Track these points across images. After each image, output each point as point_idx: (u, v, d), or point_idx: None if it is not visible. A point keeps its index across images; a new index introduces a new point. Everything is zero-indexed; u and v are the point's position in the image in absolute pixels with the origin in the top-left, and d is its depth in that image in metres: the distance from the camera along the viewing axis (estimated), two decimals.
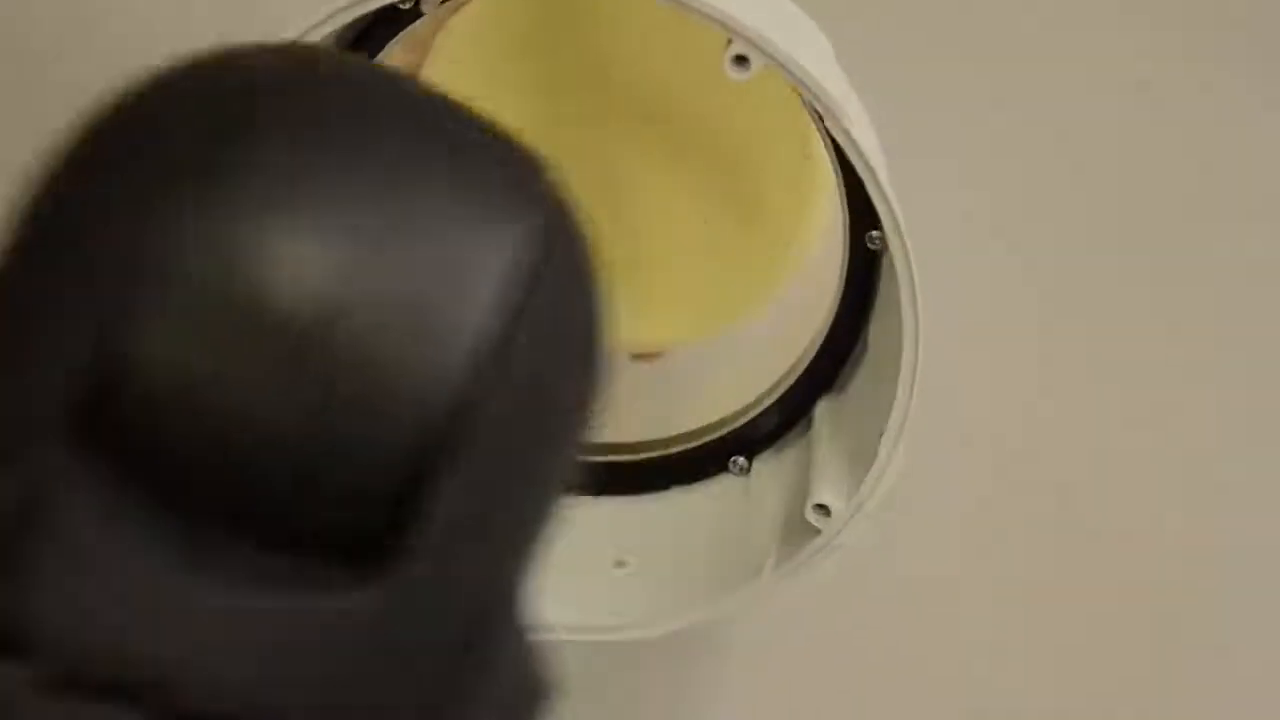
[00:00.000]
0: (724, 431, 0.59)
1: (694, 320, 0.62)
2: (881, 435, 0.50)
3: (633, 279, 0.59)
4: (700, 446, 0.59)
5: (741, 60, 0.46)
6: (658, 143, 0.59)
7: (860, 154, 0.46)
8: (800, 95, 0.49)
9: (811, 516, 0.51)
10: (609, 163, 0.60)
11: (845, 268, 0.55)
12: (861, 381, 0.56)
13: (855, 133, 0.46)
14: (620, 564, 0.57)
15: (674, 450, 0.59)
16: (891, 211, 0.46)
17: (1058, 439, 0.74)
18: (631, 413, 0.61)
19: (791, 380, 0.58)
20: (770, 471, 0.58)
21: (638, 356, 0.63)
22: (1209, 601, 0.74)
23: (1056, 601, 0.75)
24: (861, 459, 0.51)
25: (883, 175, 0.46)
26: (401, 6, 0.52)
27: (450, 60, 0.59)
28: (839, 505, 0.51)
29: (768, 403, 0.58)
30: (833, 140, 0.51)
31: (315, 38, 0.47)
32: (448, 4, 0.54)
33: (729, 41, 0.46)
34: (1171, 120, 0.72)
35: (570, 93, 0.59)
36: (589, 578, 0.56)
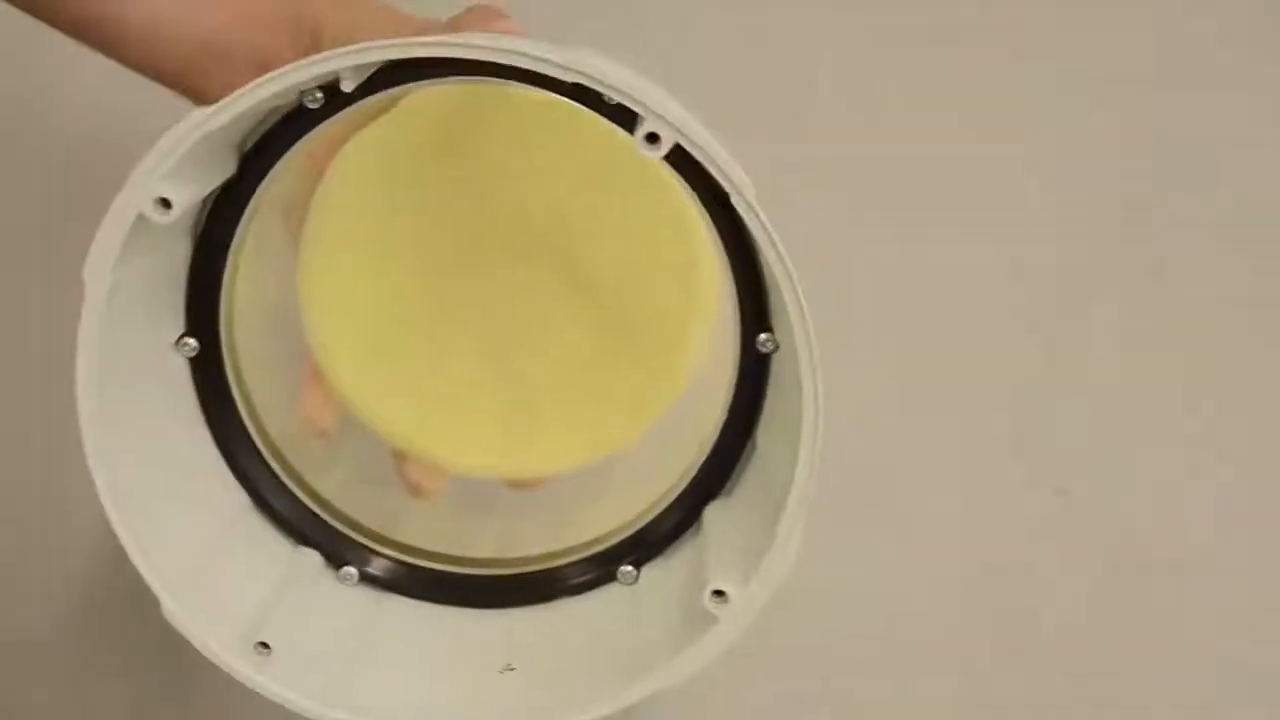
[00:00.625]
0: (613, 541, 0.59)
1: (579, 450, 0.62)
2: (778, 518, 0.51)
3: (517, 412, 0.60)
4: (588, 558, 0.59)
5: (653, 138, 0.47)
6: (545, 271, 0.60)
7: (767, 232, 0.47)
8: (695, 186, 0.51)
9: (709, 604, 0.51)
10: (496, 292, 0.61)
11: (736, 372, 0.56)
12: (750, 481, 0.57)
13: (762, 213, 0.48)
14: (508, 669, 0.56)
15: (562, 562, 0.59)
16: (793, 284, 0.48)
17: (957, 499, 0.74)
18: (520, 529, 0.61)
19: (681, 487, 0.58)
20: (660, 576, 0.58)
21: (517, 484, 0.63)
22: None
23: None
24: (755, 548, 0.51)
25: (785, 254, 0.48)
26: (310, 106, 0.53)
27: (343, 182, 0.60)
28: (736, 591, 0.51)
29: (657, 510, 0.58)
30: (726, 237, 0.53)
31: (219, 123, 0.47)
32: (353, 111, 0.54)
33: (640, 120, 0.48)
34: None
35: (458, 219, 0.60)
36: (476, 683, 0.55)
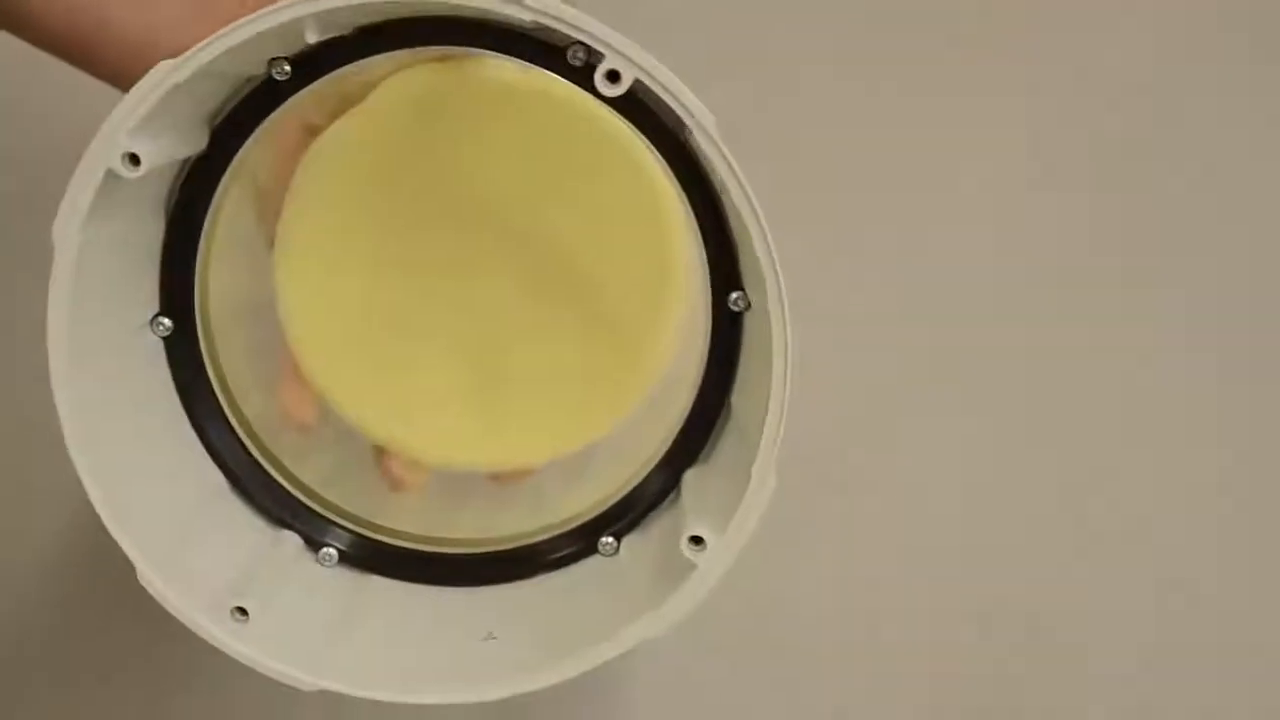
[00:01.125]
0: (592, 515, 0.58)
1: (559, 440, 0.62)
2: (752, 465, 0.50)
3: (495, 405, 0.60)
4: (568, 533, 0.59)
5: (614, 76, 0.48)
6: (519, 263, 0.60)
7: (733, 170, 0.48)
8: (658, 139, 0.51)
9: (687, 552, 0.51)
10: (471, 286, 0.61)
11: (708, 337, 0.56)
12: (727, 446, 0.57)
13: (724, 145, 0.48)
14: (489, 637, 0.55)
15: (541, 538, 0.59)
16: (757, 217, 0.48)
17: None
18: (499, 511, 0.61)
19: (659, 457, 0.58)
20: (640, 545, 0.57)
21: (497, 477, 0.62)
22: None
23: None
24: (732, 499, 0.51)
25: (747, 185, 0.48)
26: (277, 78, 0.54)
27: (317, 176, 0.61)
28: (713, 537, 0.51)
29: (635, 481, 0.58)
30: (693, 195, 0.53)
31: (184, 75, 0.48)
32: (323, 87, 0.55)
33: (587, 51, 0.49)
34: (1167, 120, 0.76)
35: (431, 213, 0.61)
36: (457, 651, 0.55)
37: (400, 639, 0.56)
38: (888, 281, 0.79)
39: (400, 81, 0.60)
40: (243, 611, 0.52)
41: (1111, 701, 0.78)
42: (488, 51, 0.53)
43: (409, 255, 0.61)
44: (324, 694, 0.52)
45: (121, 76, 0.53)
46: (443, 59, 0.60)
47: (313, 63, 0.54)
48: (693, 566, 0.51)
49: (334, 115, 0.60)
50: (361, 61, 0.54)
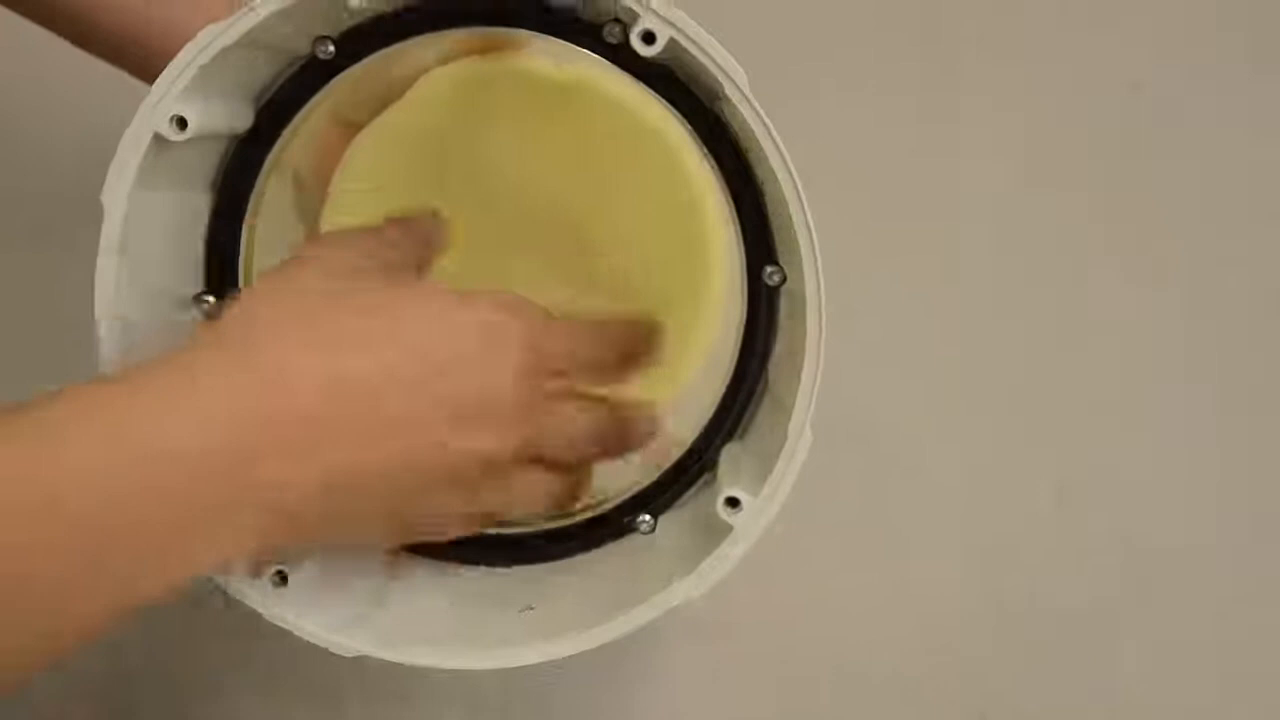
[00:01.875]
0: (628, 495, 0.59)
1: None
2: (787, 429, 0.51)
3: None
4: (606, 514, 0.59)
5: (649, 37, 0.49)
6: (558, 259, 0.61)
7: (765, 124, 0.49)
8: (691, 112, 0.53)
9: (723, 513, 0.51)
10: (513, 273, 0.62)
11: (743, 312, 0.57)
12: (762, 422, 0.57)
13: (758, 104, 0.49)
14: (527, 609, 0.55)
15: (580, 519, 0.59)
16: (791, 175, 0.49)
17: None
18: None
19: (695, 434, 0.58)
20: (677, 520, 0.58)
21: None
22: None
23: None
24: (766, 462, 0.52)
25: (781, 144, 0.49)
26: (321, 57, 0.55)
27: (358, 170, 0.62)
28: (748, 498, 0.51)
29: (672, 459, 0.58)
30: (726, 169, 0.54)
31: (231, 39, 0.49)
32: (366, 69, 0.56)
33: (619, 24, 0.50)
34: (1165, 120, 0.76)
35: (471, 208, 0.62)
36: (496, 620, 0.55)
37: (437, 611, 0.56)
38: (886, 281, 0.80)
39: (444, 73, 0.62)
40: (282, 576, 0.52)
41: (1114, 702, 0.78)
42: (526, 31, 0.54)
43: (453, 242, 0.62)
44: (361, 660, 0.52)
45: (124, 53, 0.54)
46: (484, 50, 0.61)
47: (356, 43, 0.55)
48: (729, 528, 0.51)
49: (373, 112, 0.62)
50: (403, 44, 0.56)
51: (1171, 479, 0.78)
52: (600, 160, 0.61)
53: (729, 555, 0.51)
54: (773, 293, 0.56)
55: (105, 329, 0.51)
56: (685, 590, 0.52)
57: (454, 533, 0.53)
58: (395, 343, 0.49)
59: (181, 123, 0.50)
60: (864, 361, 0.78)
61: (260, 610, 0.52)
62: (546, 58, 0.60)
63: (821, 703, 0.79)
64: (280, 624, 0.52)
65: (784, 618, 0.79)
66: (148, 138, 0.50)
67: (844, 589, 0.79)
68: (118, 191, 0.50)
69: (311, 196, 0.62)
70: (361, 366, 0.47)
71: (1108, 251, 0.78)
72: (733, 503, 0.51)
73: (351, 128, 0.62)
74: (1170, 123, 0.78)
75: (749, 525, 0.51)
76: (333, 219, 0.62)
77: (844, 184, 0.77)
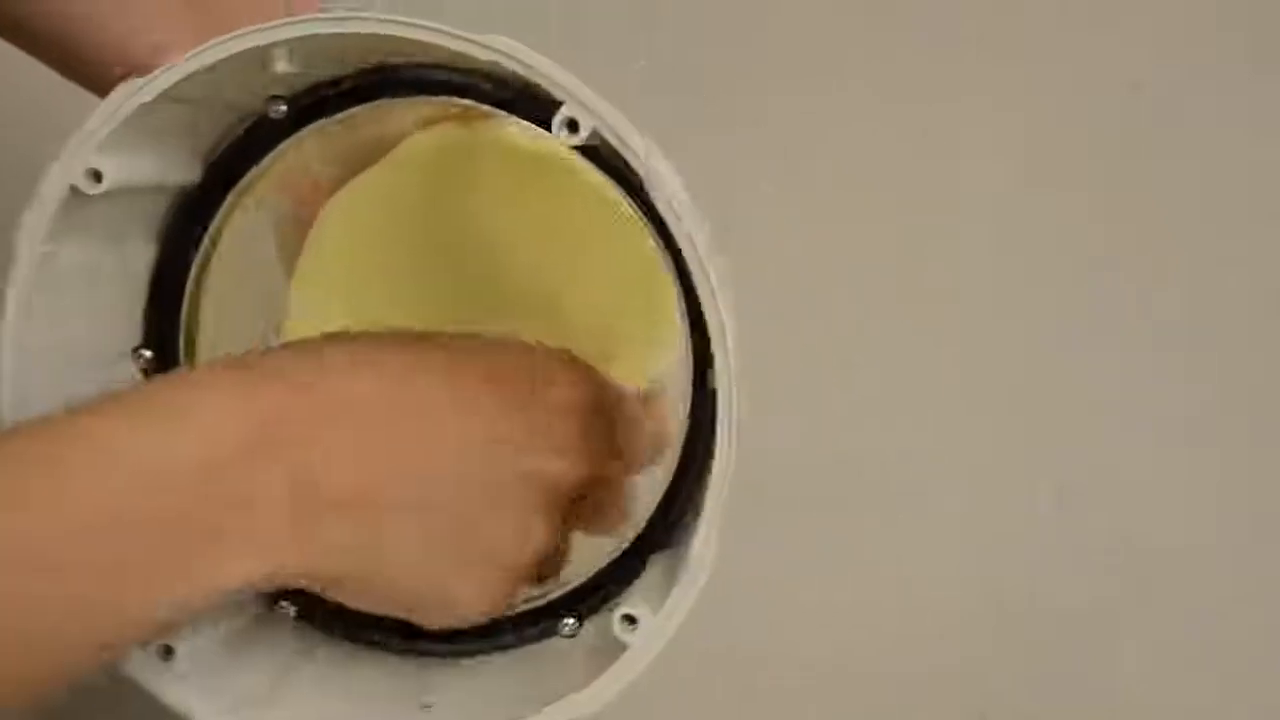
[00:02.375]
0: (555, 595, 0.56)
1: None
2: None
3: None
4: (530, 613, 0.56)
5: (573, 125, 0.47)
6: (522, 315, 0.60)
7: (676, 216, 0.46)
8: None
9: (619, 631, 0.48)
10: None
11: (685, 418, 0.54)
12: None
13: (677, 200, 0.46)
14: (425, 706, 0.53)
15: (505, 615, 0.57)
16: (704, 267, 0.46)
17: None
18: None
19: (627, 542, 0.56)
20: (601, 625, 0.55)
21: None
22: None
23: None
24: (672, 576, 0.49)
25: (702, 242, 0.46)
26: (274, 117, 0.54)
27: (333, 232, 0.61)
28: (647, 616, 0.48)
29: (600, 565, 0.56)
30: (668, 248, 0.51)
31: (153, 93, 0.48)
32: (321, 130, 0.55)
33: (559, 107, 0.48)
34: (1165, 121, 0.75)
35: (443, 272, 0.61)
36: (389, 716, 0.53)
37: (336, 697, 0.54)
38: (886, 281, 0.79)
39: (424, 138, 0.61)
40: (169, 650, 0.50)
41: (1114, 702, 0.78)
42: (477, 104, 0.52)
43: (420, 312, 0.60)
44: None
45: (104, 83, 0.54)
46: (462, 118, 0.60)
47: (313, 105, 0.54)
48: (624, 646, 0.48)
49: (344, 167, 0.61)
50: (362, 108, 0.54)
51: (1171, 479, 0.78)
52: (565, 233, 0.60)
53: (624, 672, 0.49)
54: (714, 395, 0.53)
55: (5, 375, 0.50)
56: (577, 706, 0.49)
57: (494, 588, 0.50)
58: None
59: (97, 175, 0.49)
60: (864, 361, 0.78)
61: (145, 684, 0.51)
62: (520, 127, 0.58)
63: (821, 704, 0.79)
64: (165, 700, 0.51)
65: (784, 617, 0.79)
66: (64, 188, 0.49)
67: (844, 589, 0.79)
68: (30, 242, 0.49)
69: (292, 241, 0.62)
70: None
71: (1108, 251, 0.78)
72: (629, 620, 0.48)
73: (315, 184, 0.61)
74: (1170, 123, 0.78)
75: (646, 644, 0.48)
76: (306, 272, 0.61)
77: (844, 184, 0.79)
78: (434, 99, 0.54)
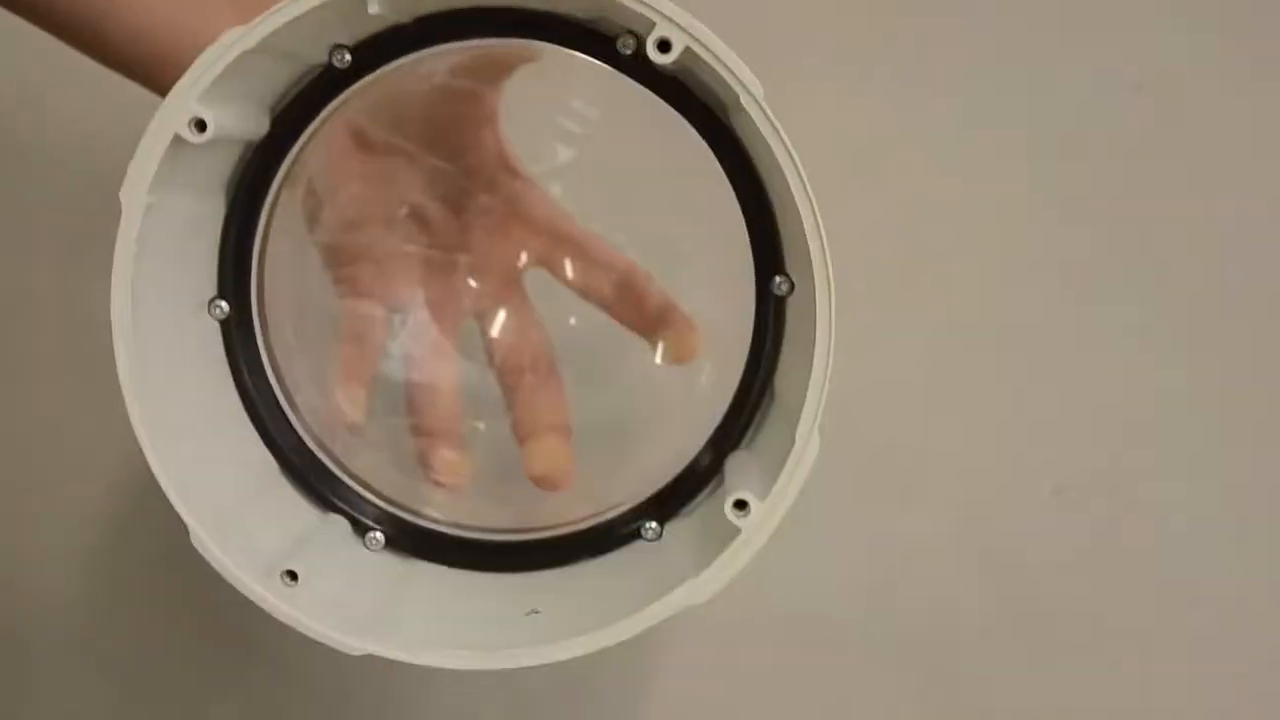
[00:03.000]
0: (635, 502, 0.59)
1: None
2: (794, 435, 0.51)
3: None
4: (609, 521, 0.59)
5: (665, 45, 0.50)
6: None
7: (781, 138, 0.50)
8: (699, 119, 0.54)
9: (731, 516, 0.51)
10: None
11: (753, 320, 0.58)
12: (769, 432, 0.57)
13: (774, 117, 0.50)
14: (533, 613, 0.56)
15: (585, 526, 0.59)
16: (805, 189, 0.49)
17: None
18: (539, 504, 0.62)
19: (702, 443, 0.59)
20: (683, 529, 0.58)
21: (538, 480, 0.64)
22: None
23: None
24: (773, 468, 0.52)
25: (795, 154, 0.50)
26: (338, 66, 0.56)
27: None
28: (756, 501, 0.51)
29: (678, 468, 0.59)
30: (735, 177, 0.55)
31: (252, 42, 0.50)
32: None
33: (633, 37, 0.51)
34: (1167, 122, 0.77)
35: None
36: (501, 623, 0.55)
37: (444, 613, 0.56)
38: (886, 280, 0.81)
39: None
40: (292, 575, 0.52)
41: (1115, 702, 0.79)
42: (542, 43, 0.55)
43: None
44: (369, 659, 0.53)
45: (133, 63, 0.55)
46: (495, 65, 0.62)
47: (373, 54, 0.56)
48: (736, 531, 0.51)
49: (389, 124, 0.62)
50: (421, 54, 0.56)
51: (1171, 479, 0.79)
52: None
53: (738, 557, 0.52)
54: (781, 302, 0.56)
55: (119, 324, 0.51)
56: (693, 593, 0.52)
57: None
58: None
59: (201, 125, 0.50)
60: (864, 361, 0.78)
61: (270, 609, 0.52)
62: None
63: (821, 705, 0.79)
64: (289, 622, 0.52)
65: (783, 617, 0.80)
66: (168, 138, 0.50)
67: (843, 589, 0.80)
68: (137, 189, 0.51)
69: (320, 206, 0.63)
70: None
71: (1109, 251, 0.79)
72: (740, 505, 0.52)
73: (360, 137, 0.63)
74: (1172, 124, 0.79)
75: (757, 528, 0.52)
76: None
77: (843, 185, 0.79)
78: (492, 41, 0.56)
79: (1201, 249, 0.80)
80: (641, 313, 0.65)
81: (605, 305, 0.65)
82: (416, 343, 0.65)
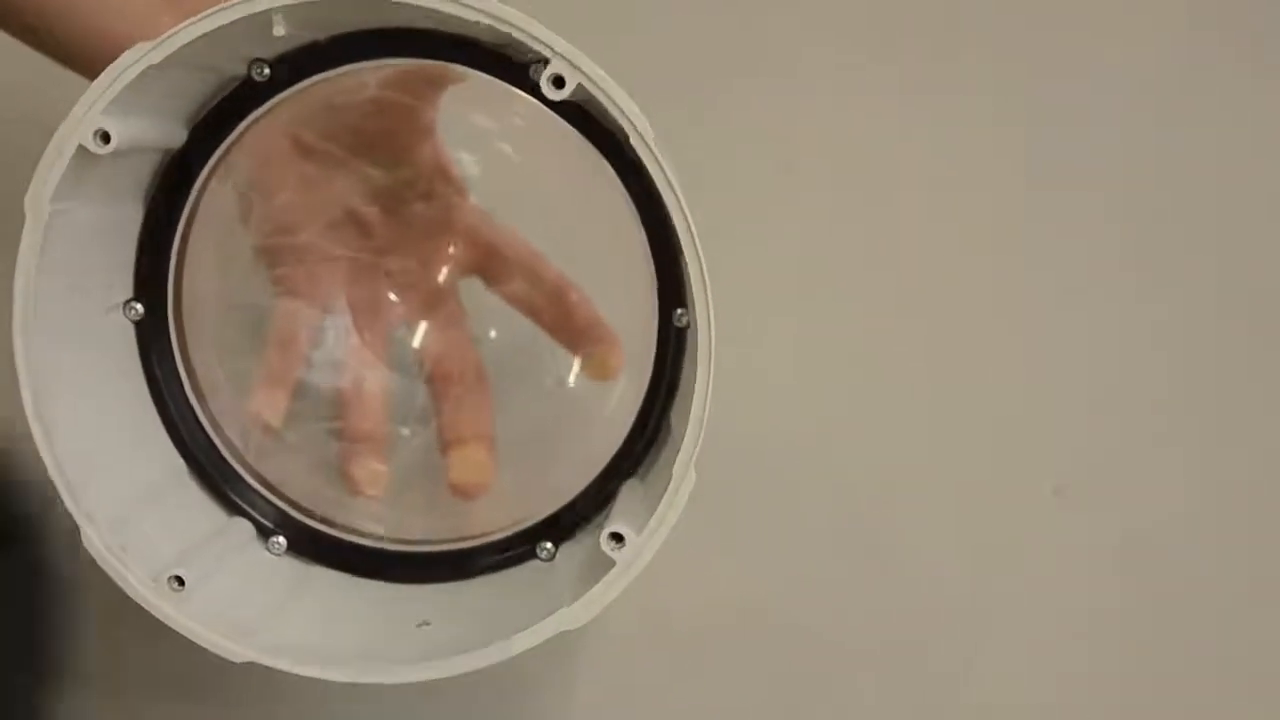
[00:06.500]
0: (532, 522, 0.60)
1: None
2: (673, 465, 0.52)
3: None
4: (508, 538, 0.60)
5: (559, 81, 0.51)
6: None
7: (663, 172, 0.50)
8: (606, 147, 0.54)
9: (606, 547, 0.52)
10: None
11: (654, 352, 0.58)
12: (663, 462, 0.58)
13: (659, 152, 0.50)
14: (423, 624, 0.57)
15: (483, 542, 0.60)
16: (691, 236, 0.50)
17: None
18: (445, 518, 0.63)
19: (599, 469, 0.59)
20: (577, 550, 0.59)
21: (455, 490, 0.64)
22: None
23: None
24: (656, 499, 0.53)
25: (682, 197, 0.50)
26: (256, 79, 0.57)
27: None
28: (632, 534, 0.52)
29: (575, 492, 0.60)
30: (642, 208, 0.56)
31: (159, 57, 0.51)
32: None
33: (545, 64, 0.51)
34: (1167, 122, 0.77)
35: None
36: (390, 634, 0.57)
37: (336, 622, 0.57)
38: (885, 279, 0.81)
39: None
40: (180, 581, 0.53)
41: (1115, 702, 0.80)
42: (457, 65, 0.56)
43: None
44: (255, 668, 0.54)
45: (89, 63, 0.56)
46: (425, 80, 0.63)
47: (293, 68, 0.57)
48: (611, 563, 0.52)
49: (324, 132, 0.63)
50: (339, 70, 0.57)
51: (1171, 479, 0.79)
52: None
53: (611, 588, 0.53)
54: (681, 334, 0.57)
55: (19, 326, 0.52)
56: (567, 620, 0.53)
57: None
58: None
59: (105, 136, 0.51)
60: (863, 360, 0.80)
61: (156, 613, 0.54)
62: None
63: (820, 705, 0.80)
64: (174, 626, 0.54)
65: (783, 616, 0.80)
66: (71, 149, 0.51)
67: (842, 589, 0.80)
68: (41, 198, 0.52)
69: (253, 206, 0.64)
70: None
71: (1108, 251, 0.79)
72: (616, 538, 0.52)
73: (299, 144, 0.64)
74: (1173, 124, 0.79)
75: (629, 563, 0.52)
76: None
77: (843, 184, 0.80)
78: (408, 60, 0.57)
79: (1201, 249, 0.79)
80: (569, 326, 0.65)
81: (535, 315, 0.66)
82: (344, 348, 0.66)
